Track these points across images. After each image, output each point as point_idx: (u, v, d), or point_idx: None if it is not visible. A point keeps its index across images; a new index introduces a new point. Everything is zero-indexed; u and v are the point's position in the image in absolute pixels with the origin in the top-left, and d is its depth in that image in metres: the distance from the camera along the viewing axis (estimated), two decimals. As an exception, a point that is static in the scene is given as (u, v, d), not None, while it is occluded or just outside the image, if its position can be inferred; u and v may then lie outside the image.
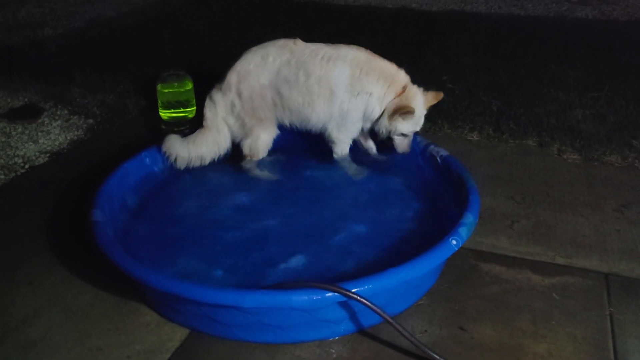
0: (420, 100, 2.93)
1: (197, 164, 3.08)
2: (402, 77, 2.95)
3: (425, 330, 2.15)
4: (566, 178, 3.15)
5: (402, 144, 3.00)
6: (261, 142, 3.08)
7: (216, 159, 3.13)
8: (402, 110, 2.84)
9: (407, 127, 2.92)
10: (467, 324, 2.18)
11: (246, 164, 3.13)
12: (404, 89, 2.91)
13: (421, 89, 2.97)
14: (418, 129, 2.99)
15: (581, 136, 3.50)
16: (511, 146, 3.50)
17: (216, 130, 3.10)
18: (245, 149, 3.10)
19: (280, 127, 3.16)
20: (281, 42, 3.03)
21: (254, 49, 3.06)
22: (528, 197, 2.98)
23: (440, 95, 3.01)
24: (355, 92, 2.91)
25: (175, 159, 3.04)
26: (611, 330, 2.15)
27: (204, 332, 2.15)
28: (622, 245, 2.61)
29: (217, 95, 3.10)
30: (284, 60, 2.97)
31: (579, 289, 2.36)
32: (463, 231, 2.26)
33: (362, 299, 1.96)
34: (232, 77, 3.04)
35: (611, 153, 3.34)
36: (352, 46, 2.99)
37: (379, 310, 1.98)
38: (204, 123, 3.13)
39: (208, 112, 3.12)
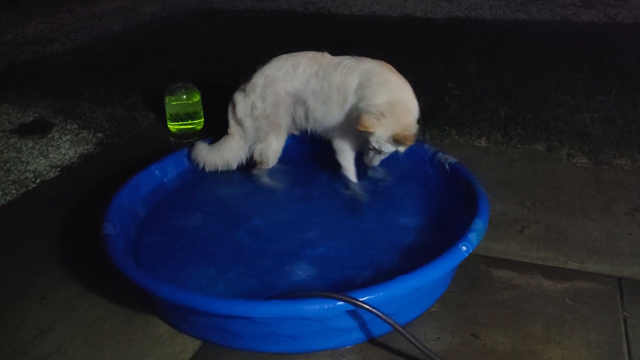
0: (388, 126, 2.71)
1: (224, 169, 3.17)
2: (401, 95, 2.83)
3: (438, 338, 2.14)
4: (576, 182, 3.14)
5: (367, 154, 2.91)
6: (272, 149, 3.10)
7: (243, 163, 3.19)
8: (359, 121, 2.72)
9: (371, 140, 2.78)
10: (479, 331, 2.17)
11: (257, 172, 3.15)
12: (391, 105, 2.75)
13: (405, 122, 2.74)
14: (379, 149, 2.80)
15: (590, 140, 3.49)
16: (519, 151, 3.49)
17: (239, 136, 3.15)
18: (256, 154, 3.13)
19: (292, 137, 3.22)
20: (311, 54, 3.07)
21: (284, 56, 3.10)
22: (538, 202, 2.97)
23: (405, 136, 2.71)
24: (358, 99, 2.89)
25: (204, 166, 3.14)
26: (625, 334, 2.13)
27: (217, 343, 2.15)
28: (634, 249, 2.60)
29: (238, 96, 3.13)
30: (313, 72, 3.01)
31: (591, 293, 2.34)
32: (473, 237, 2.26)
33: (371, 308, 1.96)
34: (259, 79, 3.07)
35: (620, 156, 3.33)
36: (376, 60, 2.99)
37: (389, 320, 1.98)
38: (229, 129, 3.18)
39: (230, 118, 3.17)
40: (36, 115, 4.23)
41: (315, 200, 2.98)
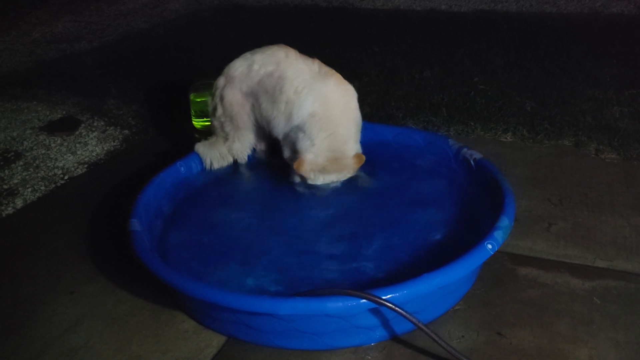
0: (325, 175, 2.83)
1: (226, 163, 3.19)
2: (346, 146, 2.83)
3: (463, 336, 2.13)
4: (604, 178, 3.08)
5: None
6: (235, 149, 3.15)
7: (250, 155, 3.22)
8: (297, 164, 2.79)
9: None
10: (505, 329, 2.15)
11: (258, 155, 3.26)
12: (334, 156, 2.80)
13: (344, 171, 2.85)
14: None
15: (619, 135, 3.42)
16: (546, 147, 3.44)
17: (216, 133, 3.21)
18: (228, 152, 3.18)
19: None
20: (271, 51, 3.00)
21: (246, 54, 3.08)
22: (565, 198, 2.93)
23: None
24: (301, 125, 2.81)
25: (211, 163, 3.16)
26: (655, 334, 2.09)
27: (241, 339, 2.17)
28: (665, 247, 2.54)
29: (209, 98, 3.21)
30: (268, 71, 2.94)
31: (620, 292, 2.30)
32: (499, 235, 2.23)
33: (394, 307, 1.95)
34: (220, 81, 3.11)
35: (651, 151, 3.26)
36: (341, 84, 2.86)
37: (412, 318, 1.97)
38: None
39: None
40: (64, 112, 4.30)
41: (338, 195, 2.97)
